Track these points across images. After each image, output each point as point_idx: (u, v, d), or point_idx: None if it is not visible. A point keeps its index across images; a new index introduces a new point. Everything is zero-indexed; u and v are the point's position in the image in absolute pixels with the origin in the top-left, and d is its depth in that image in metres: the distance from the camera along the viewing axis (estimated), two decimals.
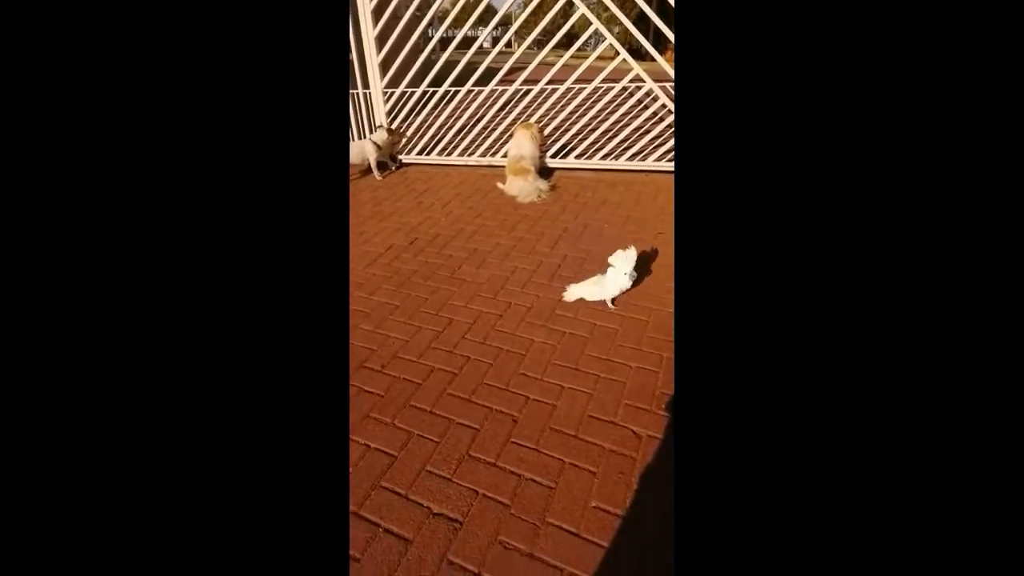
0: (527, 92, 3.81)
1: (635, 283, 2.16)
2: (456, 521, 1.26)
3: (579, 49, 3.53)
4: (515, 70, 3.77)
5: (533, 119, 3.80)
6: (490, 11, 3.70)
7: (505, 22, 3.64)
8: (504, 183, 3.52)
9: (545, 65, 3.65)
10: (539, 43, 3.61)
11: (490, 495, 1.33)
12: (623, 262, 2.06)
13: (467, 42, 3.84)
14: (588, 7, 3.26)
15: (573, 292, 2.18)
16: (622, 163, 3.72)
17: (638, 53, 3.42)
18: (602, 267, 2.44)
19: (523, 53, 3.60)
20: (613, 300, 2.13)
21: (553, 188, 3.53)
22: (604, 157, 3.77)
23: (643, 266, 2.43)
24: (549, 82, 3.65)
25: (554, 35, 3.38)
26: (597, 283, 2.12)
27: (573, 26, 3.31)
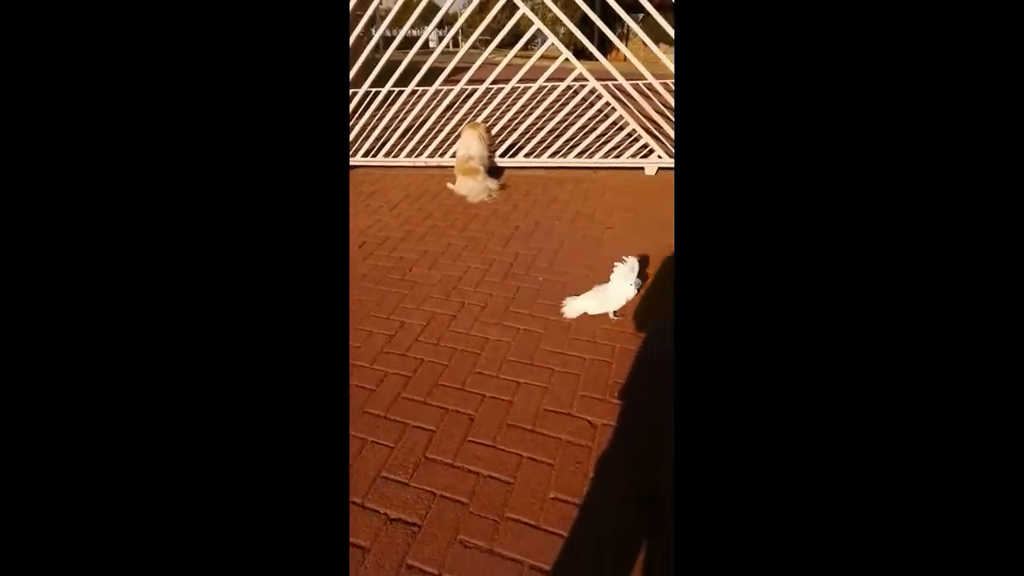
0: (473, 92, 3.80)
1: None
2: (414, 525, 1.24)
3: (525, 49, 3.55)
4: (460, 70, 3.75)
5: (480, 119, 3.80)
6: (432, 9, 3.66)
7: (449, 21, 3.59)
8: (454, 183, 3.50)
9: (490, 65, 3.65)
10: (483, 43, 3.59)
11: (448, 496, 1.31)
12: (625, 273, 1.96)
13: (410, 41, 3.79)
14: (532, 8, 3.30)
15: (574, 307, 2.03)
16: (570, 160, 3.78)
17: (583, 54, 3.48)
18: (553, 264, 2.48)
19: (468, 53, 3.57)
20: (616, 312, 2.02)
21: (503, 187, 3.54)
22: (552, 155, 3.82)
23: (596, 262, 2.49)
24: (494, 81, 3.66)
25: (498, 34, 3.39)
26: (597, 295, 2.01)
27: (518, 25, 3.33)
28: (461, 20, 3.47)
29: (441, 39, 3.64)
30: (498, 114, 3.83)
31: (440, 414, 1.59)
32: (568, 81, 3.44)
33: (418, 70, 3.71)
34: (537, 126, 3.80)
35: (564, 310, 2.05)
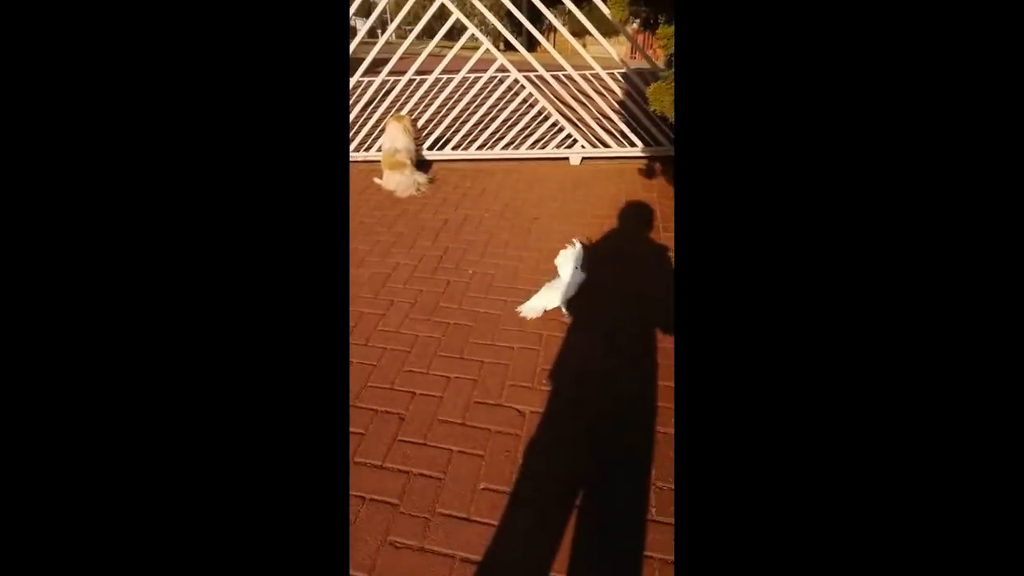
0: (395, 84, 3.70)
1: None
2: None
3: (448, 39, 3.50)
4: (381, 61, 3.63)
5: (404, 111, 3.71)
6: None
7: (366, 11, 3.42)
8: (380, 178, 3.41)
9: (412, 56, 3.56)
10: (404, 33, 3.49)
11: (378, 498, 1.30)
12: (570, 260, 1.91)
13: None
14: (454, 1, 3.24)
15: (531, 307, 1.97)
16: (497, 152, 3.79)
17: (509, 45, 3.47)
18: (483, 257, 2.49)
19: (388, 44, 3.47)
20: (568, 305, 1.96)
21: (432, 180, 3.49)
22: (480, 147, 3.81)
23: (525, 253, 2.52)
24: (417, 72, 3.59)
25: (418, 24, 3.31)
26: (550, 289, 1.94)
27: (440, 15, 3.27)
28: (379, 9, 3.35)
29: (363, 29, 3.49)
30: (422, 106, 3.76)
31: (370, 416, 1.56)
32: (491, 72, 3.43)
33: None
34: (462, 119, 3.76)
35: (523, 313, 1.99)
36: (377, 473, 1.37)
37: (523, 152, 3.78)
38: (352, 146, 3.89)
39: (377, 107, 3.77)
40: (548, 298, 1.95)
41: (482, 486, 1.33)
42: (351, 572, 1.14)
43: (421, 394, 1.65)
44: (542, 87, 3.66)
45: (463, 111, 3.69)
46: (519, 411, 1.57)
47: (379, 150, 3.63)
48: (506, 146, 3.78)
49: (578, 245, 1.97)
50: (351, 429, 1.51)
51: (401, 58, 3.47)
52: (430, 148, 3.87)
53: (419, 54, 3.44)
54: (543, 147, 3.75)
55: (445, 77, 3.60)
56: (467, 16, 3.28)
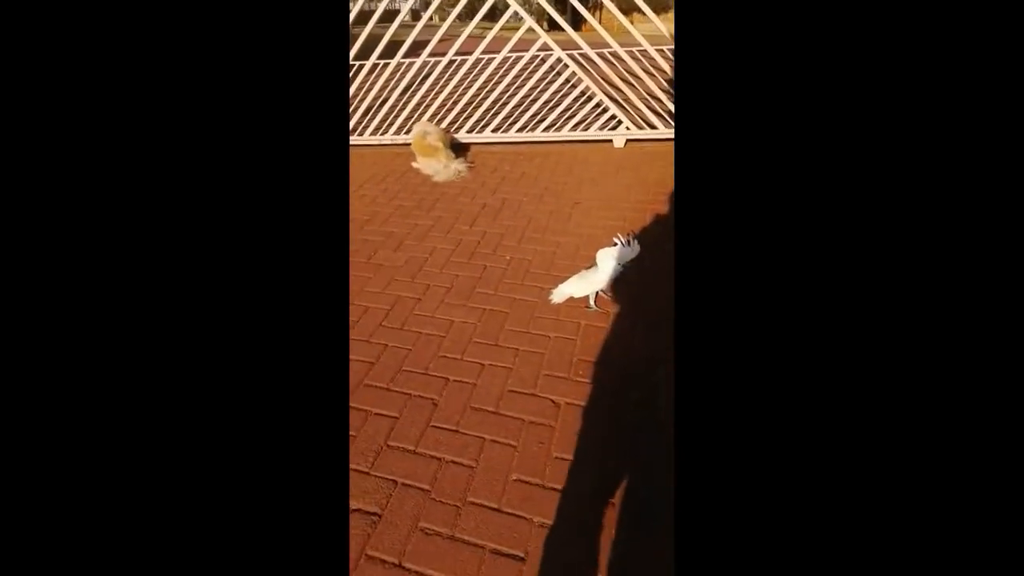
0: (435, 65, 3.66)
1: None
2: (374, 515, 1.23)
3: (489, 20, 3.41)
4: (421, 43, 3.60)
5: (444, 93, 3.66)
6: None
7: None
8: (416, 162, 3.40)
9: (452, 37, 3.50)
10: (445, 15, 3.42)
11: (409, 483, 1.30)
12: (614, 258, 1.81)
13: (366, 15, 3.60)
14: None
15: (560, 292, 1.92)
16: (538, 135, 3.70)
17: (554, 24, 3.35)
18: (520, 242, 2.44)
19: (429, 25, 3.42)
20: (596, 299, 1.90)
21: (471, 165, 3.45)
22: (520, 130, 3.73)
23: (564, 239, 2.45)
24: (457, 54, 3.53)
25: (458, 4, 3.25)
26: (582, 279, 1.88)
27: None
28: None
29: (410, 12, 3.46)
30: (461, 88, 3.70)
31: (403, 400, 1.56)
32: (532, 51, 3.33)
33: (377, 44, 3.55)
34: (502, 101, 3.69)
35: (552, 297, 1.95)
36: (410, 458, 1.37)
37: (564, 134, 3.67)
38: (392, 129, 3.90)
39: (417, 90, 3.74)
40: (577, 287, 1.89)
41: (514, 477, 1.30)
42: (381, 555, 1.14)
43: (455, 380, 1.63)
44: (587, 66, 3.52)
45: (503, 93, 3.60)
46: (553, 402, 1.52)
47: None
48: (547, 128, 3.68)
49: (636, 247, 1.84)
50: (385, 412, 1.52)
51: (442, 40, 3.42)
52: (469, 131, 3.82)
53: (459, 36, 3.38)
54: (585, 129, 3.62)
55: (486, 58, 3.52)
56: None
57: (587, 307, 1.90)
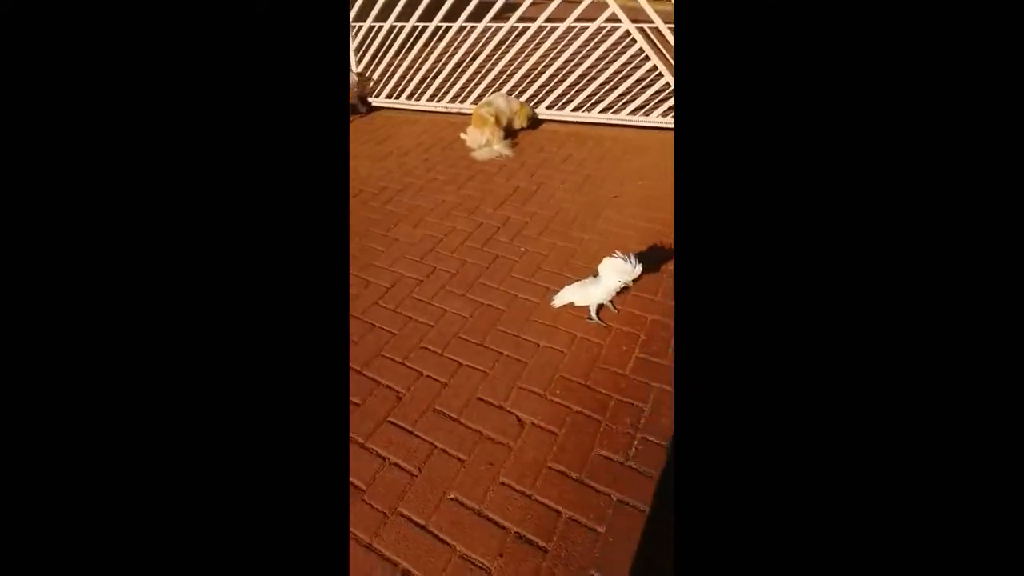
0: (496, 30, 3.46)
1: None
2: None
3: None
4: (486, 5, 3.41)
5: (502, 63, 3.47)
6: None
7: None
8: (465, 133, 3.28)
9: (518, 3, 3.28)
10: None
11: (350, 480, 1.27)
12: (617, 273, 1.62)
13: None
14: None
15: (561, 296, 1.76)
16: (594, 115, 3.43)
17: None
18: (541, 234, 2.28)
19: None
20: (598, 312, 1.73)
21: (515, 144, 3.27)
22: (575, 109, 3.47)
23: (589, 236, 2.27)
24: (520, 20, 3.30)
25: None
26: (583, 287, 1.71)
27: None
28: None
29: None
30: (519, 60, 3.48)
31: (370, 388, 1.53)
32: (599, 22, 3.03)
33: (440, 6, 3.41)
34: (558, 77, 3.43)
35: (553, 300, 1.79)
36: (356, 452, 1.34)
37: (623, 118, 3.37)
38: (448, 97, 3.80)
39: (475, 57, 3.58)
40: (578, 295, 1.73)
41: (451, 495, 1.22)
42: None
43: (427, 376, 1.56)
44: (657, 43, 3.16)
45: (560, 69, 3.35)
46: (519, 419, 1.41)
47: (474, 103, 3.49)
48: (604, 110, 3.39)
49: (637, 267, 1.62)
50: (351, 397, 1.49)
51: (508, 4, 3.21)
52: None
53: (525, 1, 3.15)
54: (647, 114, 3.30)
55: (549, 26, 3.27)
56: None
57: (588, 319, 1.74)
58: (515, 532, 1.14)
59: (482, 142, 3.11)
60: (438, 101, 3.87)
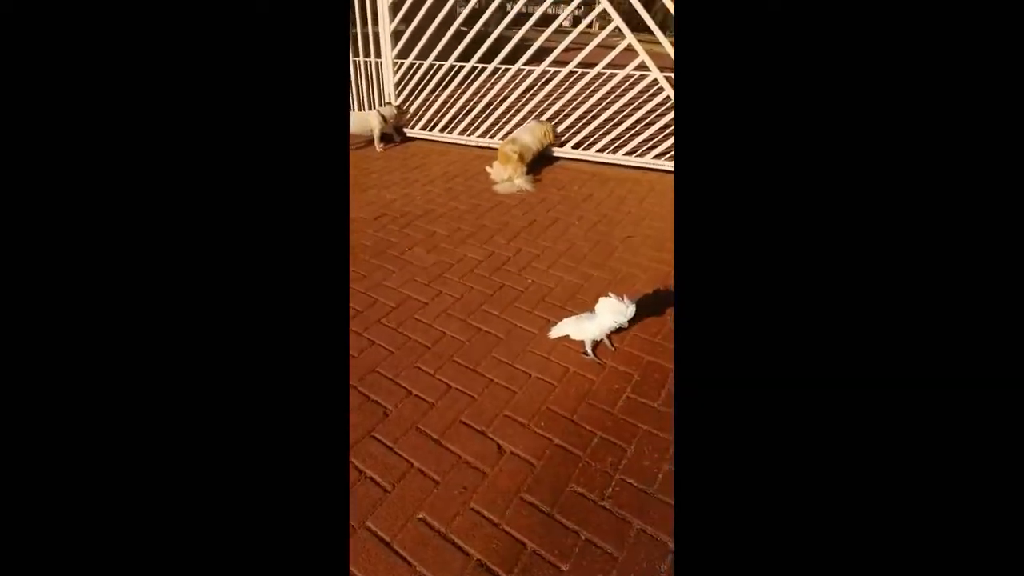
0: (529, 74, 3.62)
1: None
2: None
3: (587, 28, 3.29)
4: (524, 47, 3.59)
5: (533, 102, 3.62)
6: None
7: None
8: (491, 167, 3.40)
9: (556, 45, 3.44)
10: (547, 20, 3.36)
11: None
12: (611, 312, 1.64)
13: (477, 14, 3.69)
14: None
15: (558, 329, 1.79)
16: (618, 157, 3.50)
17: (640, 28, 3.13)
18: (550, 268, 2.32)
19: (536, 29, 3.39)
20: (594, 349, 1.75)
21: (538, 180, 3.36)
22: (600, 150, 3.56)
23: (599, 273, 2.28)
24: (553, 64, 3.46)
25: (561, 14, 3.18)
26: (578, 322, 1.74)
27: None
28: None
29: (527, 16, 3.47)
30: (550, 100, 3.63)
31: (359, 402, 1.56)
32: (628, 69, 3.14)
33: (477, 48, 3.62)
34: (584, 120, 3.54)
35: (551, 331, 1.81)
36: None
37: (646, 162, 3.43)
38: (478, 132, 3.96)
39: (509, 95, 3.75)
40: (573, 329, 1.75)
41: (420, 515, 1.22)
42: None
43: (415, 395, 1.59)
44: None
45: (588, 111, 3.47)
46: (500, 447, 1.41)
47: (503, 138, 3.63)
48: (628, 153, 3.46)
49: (630, 308, 1.63)
50: None
51: (543, 48, 3.38)
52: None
53: (559, 46, 3.31)
54: (669, 159, 3.34)
55: (580, 71, 3.41)
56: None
57: (583, 354, 1.74)
58: (477, 559, 1.12)
59: (504, 177, 3.22)
60: (468, 135, 4.04)
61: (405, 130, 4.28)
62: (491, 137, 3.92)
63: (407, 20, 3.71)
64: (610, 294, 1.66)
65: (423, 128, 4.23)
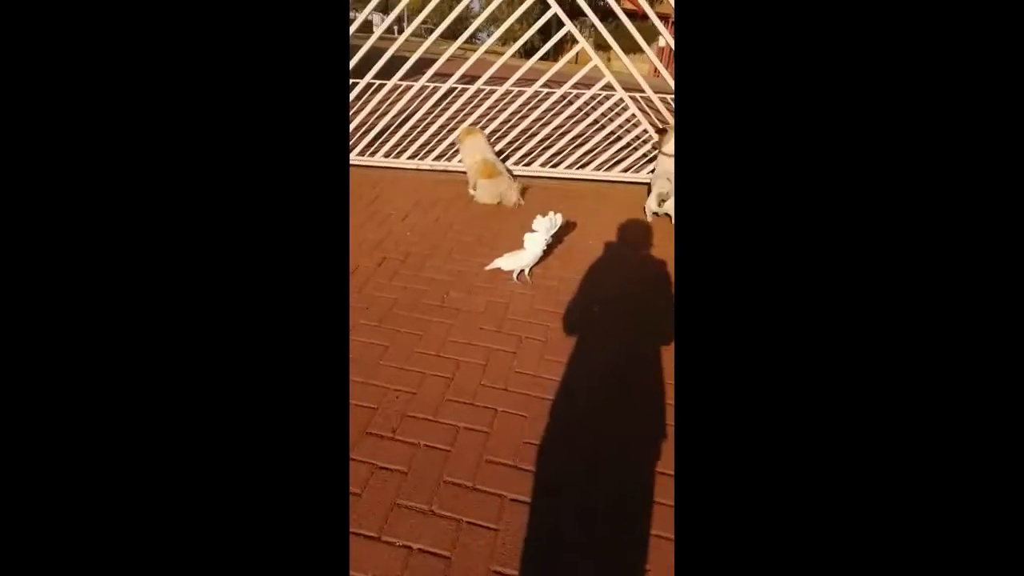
0: (491, 93, 3.52)
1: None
2: None
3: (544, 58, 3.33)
4: (482, 69, 3.47)
5: (499, 120, 3.53)
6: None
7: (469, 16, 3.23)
8: (474, 190, 3.23)
9: (509, 67, 3.39)
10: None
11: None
12: (542, 231, 2.18)
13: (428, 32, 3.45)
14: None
15: (495, 263, 2.28)
16: (588, 172, 3.62)
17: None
18: (602, 291, 2.30)
19: (493, 52, 3.31)
20: (525, 271, 2.27)
21: (524, 190, 3.32)
22: (570, 166, 3.63)
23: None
24: (515, 84, 3.41)
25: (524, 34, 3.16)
26: (512, 256, 2.25)
27: (548, 26, 3.11)
28: (485, 14, 3.19)
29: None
30: (514, 119, 3.58)
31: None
32: (594, 90, 3.26)
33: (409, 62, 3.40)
34: (553, 136, 3.59)
35: (488, 266, 2.31)
36: (471, 494, 1.17)
37: (613, 175, 3.60)
38: (433, 155, 3.73)
39: (467, 115, 3.59)
40: (507, 262, 2.25)
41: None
42: None
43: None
44: (648, 111, 3.48)
45: (557, 129, 3.52)
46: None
47: (461, 161, 3.47)
48: (598, 168, 3.60)
49: (557, 218, 2.22)
50: (515, 495, 1.32)
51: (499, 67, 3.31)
52: (516, 163, 3.69)
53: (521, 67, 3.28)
54: (638, 172, 3.57)
55: (545, 91, 3.42)
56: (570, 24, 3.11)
57: (511, 279, 2.26)
58: None
59: (502, 188, 3.13)
60: (420, 159, 3.77)
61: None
62: (448, 160, 3.71)
63: None
64: (538, 216, 2.19)
65: (359, 154, 3.82)
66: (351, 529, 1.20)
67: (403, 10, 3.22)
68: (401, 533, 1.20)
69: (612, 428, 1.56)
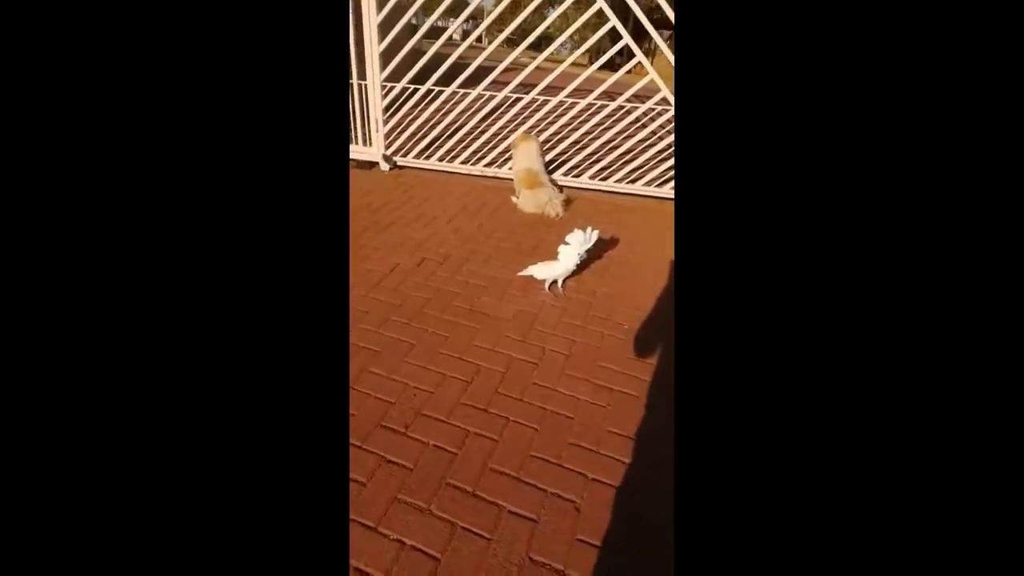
0: (545, 102, 3.55)
1: None
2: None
3: (608, 68, 3.32)
4: (520, 72, 3.51)
5: (551, 130, 3.56)
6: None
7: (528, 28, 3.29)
8: (517, 197, 3.27)
9: (570, 75, 3.40)
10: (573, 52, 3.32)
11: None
12: (576, 245, 2.19)
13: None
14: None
15: (528, 270, 2.32)
16: (638, 187, 3.55)
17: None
18: (638, 308, 2.25)
19: (553, 60, 3.33)
20: (558, 282, 2.30)
21: (568, 202, 3.32)
22: (620, 180, 3.58)
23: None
24: (570, 94, 3.42)
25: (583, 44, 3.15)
26: (545, 266, 2.26)
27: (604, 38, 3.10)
28: (547, 23, 3.23)
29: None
30: (566, 130, 3.59)
31: (540, 498, 1.35)
32: (650, 103, 3.20)
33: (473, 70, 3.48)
34: (600, 150, 3.55)
35: (521, 272, 2.37)
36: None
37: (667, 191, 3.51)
38: (485, 161, 3.80)
39: (521, 124, 3.64)
40: (539, 271, 2.27)
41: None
42: None
43: (594, 480, 1.42)
44: None
45: (604, 144, 3.48)
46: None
47: (510, 169, 3.50)
48: (649, 183, 3.52)
49: (593, 234, 2.20)
50: (520, 511, 1.31)
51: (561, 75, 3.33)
52: (565, 174, 3.69)
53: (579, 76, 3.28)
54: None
55: (599, 104, 3.41)
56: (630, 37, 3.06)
57: (543, 289, 2.29)
58: None
59: (545, 200, 3.13)
60: (472, 164, 3.86)
61: (396, 158, 3.98)
62: (498, 167, 3.77)
63: (398, 42, 3.46)
64: (574, 230, 2.20)
65: (416, 157, 3.96)
66: (352, 516, 1.25)
67: (476, 19, 3.30)
68: (397, 527, 1.24)
69: (621, 454, 1.52)
